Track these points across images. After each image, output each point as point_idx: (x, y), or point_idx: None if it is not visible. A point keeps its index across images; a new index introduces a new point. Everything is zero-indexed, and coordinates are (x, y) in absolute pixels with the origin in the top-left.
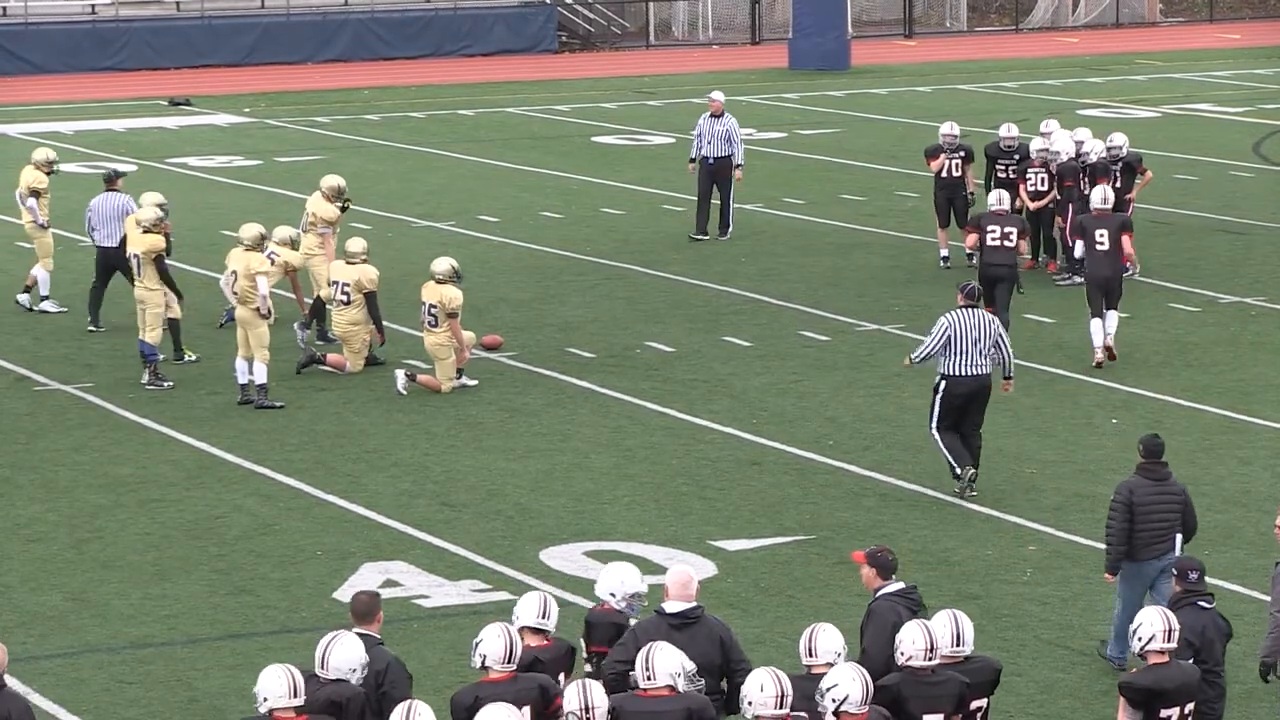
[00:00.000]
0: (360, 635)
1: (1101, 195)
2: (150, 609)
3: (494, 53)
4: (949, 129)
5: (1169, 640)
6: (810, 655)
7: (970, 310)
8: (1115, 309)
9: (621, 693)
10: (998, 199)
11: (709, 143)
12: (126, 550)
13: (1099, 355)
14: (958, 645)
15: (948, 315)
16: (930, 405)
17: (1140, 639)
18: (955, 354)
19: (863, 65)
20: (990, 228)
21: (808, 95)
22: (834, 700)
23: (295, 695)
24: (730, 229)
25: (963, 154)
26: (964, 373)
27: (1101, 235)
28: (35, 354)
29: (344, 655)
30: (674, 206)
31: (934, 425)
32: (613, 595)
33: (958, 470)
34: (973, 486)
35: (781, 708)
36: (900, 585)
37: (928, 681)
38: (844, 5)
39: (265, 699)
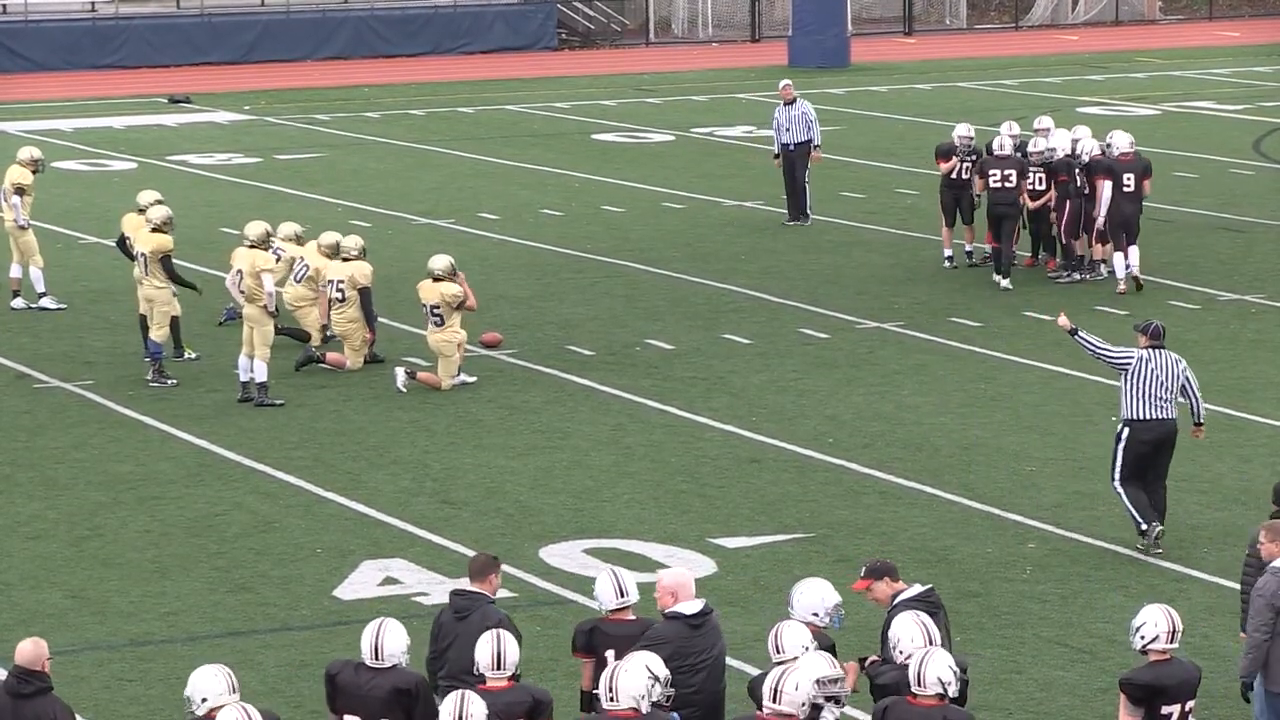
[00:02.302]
0: (474, 594)
1: (1128, 140)
2: (150, 606)
3: (494, 50)
4: (965, 130)
5: (1172, 640)
6: (778, 653)
7: (1157, 350)
8: (1135, 244)
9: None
10: (999, 145)
11: (788, 130)
12: (126, 548)
13: (1123, 286)
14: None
15: (1138, 352)
16: (1112, 455)
17: (1143, 637)
18: (1141, 397)
19: (862, 63)
20: (992, 171)
21: (807, 93)
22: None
23: (234, 691)
24: (809, 216)
25: (975, 157)
26: (1151, 416)
27: (1128, 179)
28: (35, 351)
29: (396, 641)
30: (674, 204)
31: (1117, 477)
32: (816, 615)
33: (1143, 526)
34: (1159, 543)
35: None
36: (918, 588)
37: None
38: (844, 3)
39: (204, 699)
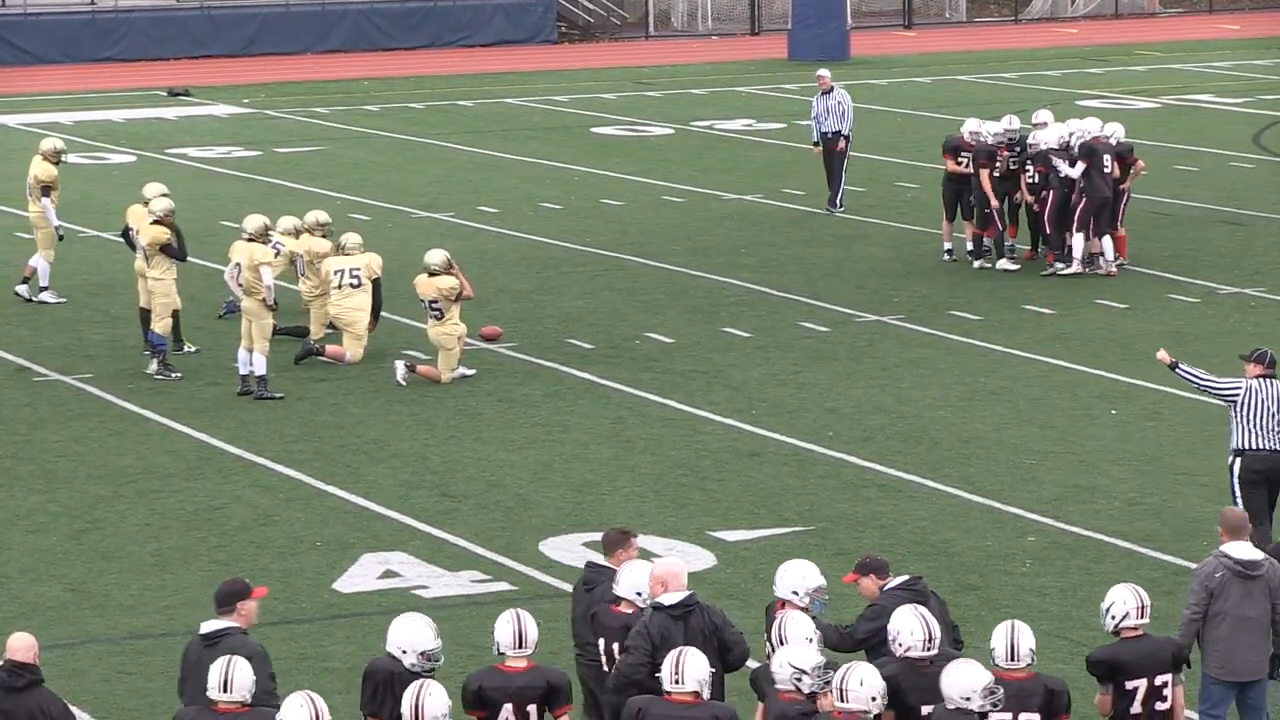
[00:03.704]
0: (602, 568)
1: (1114, 128)
2: (150, 600)
3: (493, 43)
4: (974, 126)
5: (1142, 616)
6: (781, 644)
7: (1269, 380)
8: (1108, 234)
9: (644, 696)
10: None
11: (825, 119)
12: (126, 541)
13: (1076, 267)
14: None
15: (1247, 381)
16: (1230, 490)
17: (1114, 617)
18: (1251, 427)
19: (862, 56)
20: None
21: (807, 86)
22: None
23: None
24: (842, 205)
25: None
26: (1261, 447)
27: (1107, 159)
28: (35, 345)
29: (437, 704)
30: (673, 198)
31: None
32: (795, 594)
33: None
34: None
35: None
36: (903, 578)
37: (926, 672)
38: None
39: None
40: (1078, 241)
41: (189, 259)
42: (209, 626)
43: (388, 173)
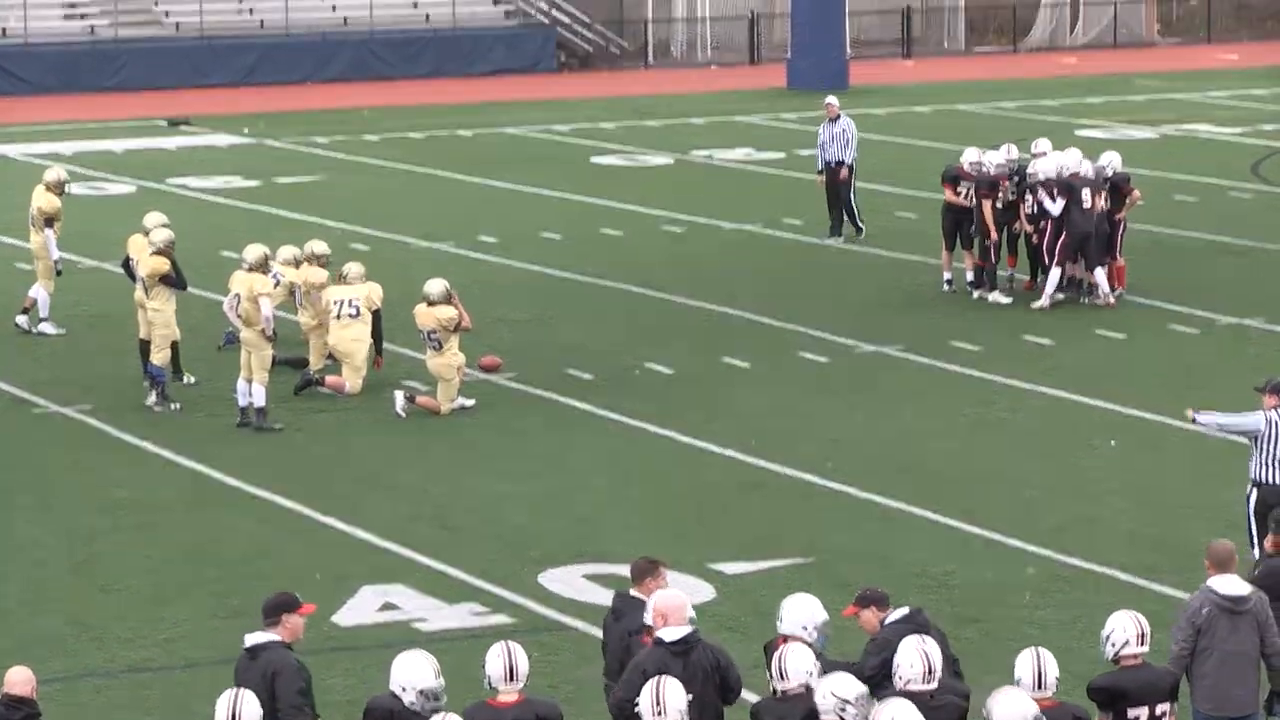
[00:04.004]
0: (631, 598)
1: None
2: (148, 632)
3: (493, 73)
4: (974, 156)
5: (1141, 644)
6: (782, 679)
7: None
8: (1100, 265)
9: None
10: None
11: (829, 147)
12: (125, 573)
13: (1044, 302)
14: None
15: (1267, 413)
16: (1247, 521)
17: (1114, 644)
18: (1271, 460)
19: (861, 85)
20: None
21: (806, 115)
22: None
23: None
24: (861, 230)
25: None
26: (1278, 481)
27: (1086, 194)
28: (34, 376)
29: None
30: (673, 227)
31: (1255, 546)
32: (804, 629)
33: None
34: None
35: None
36: (904, 610)
37: (928, 705)
38: (843, 25)
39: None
40: (1052, 276)
41: (189, 289)
42: (252, 639)
43: (387, 202)
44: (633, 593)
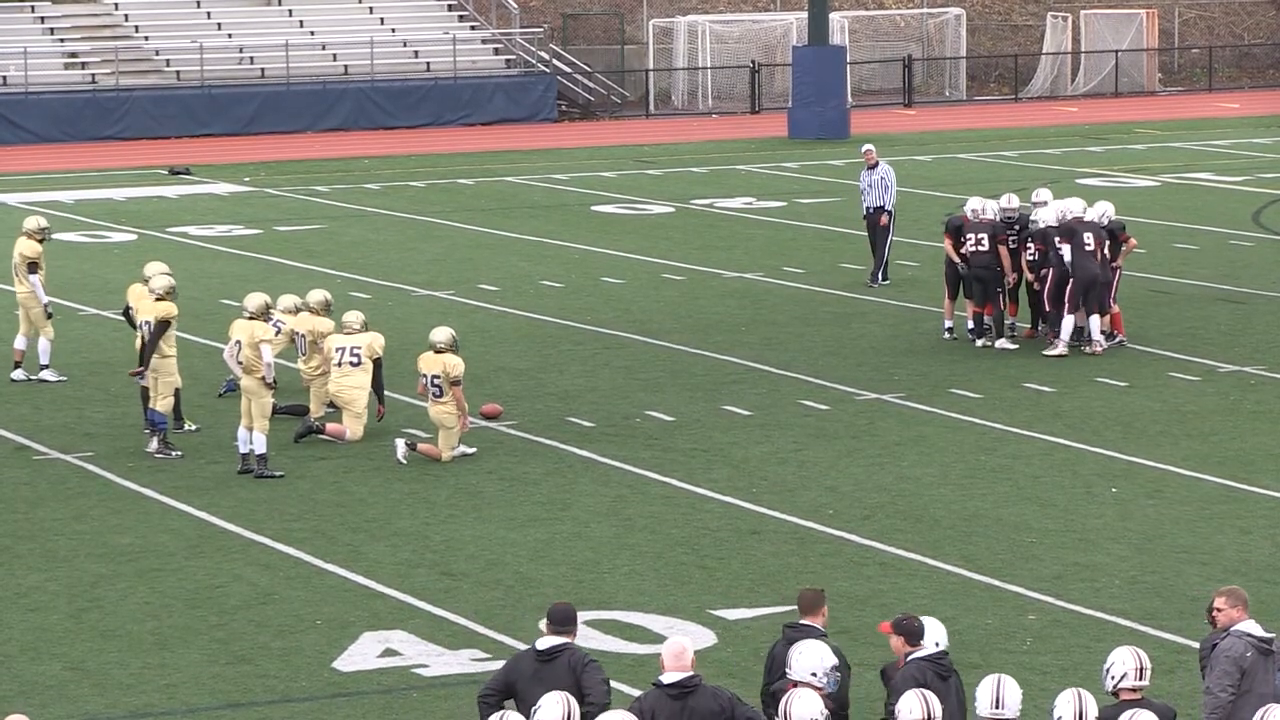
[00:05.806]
0: (804, 626)
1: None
2: (149, 678)
3: (494, 122)
4: (976, 205)
5: (1141, 678)
6: None
7: None
8: (1097, 313)
9: None
10: (979, 205)
11: (868, 194)
12: (126, 619)
13: (1061, 349)
14: (998, 708)
15: None
16: None
17: (1114, 677)
18: None
19: (862, 134)
20: (967, 235)
21: (807, 164)
22: None
23: None
24: (886, 279)
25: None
26: None
27: (1088, 238)
28: (35, 423)
29: None
30: (674, 276)
31: None
32: (814, 675)
33: None
34: None
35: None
36: (932, 650)
37: None
38: (843, 74)
39: None
40: (1067, 323)
41: (188, 336)
42: (545, 643)
43: (388, 251)
44: (803, 622)
